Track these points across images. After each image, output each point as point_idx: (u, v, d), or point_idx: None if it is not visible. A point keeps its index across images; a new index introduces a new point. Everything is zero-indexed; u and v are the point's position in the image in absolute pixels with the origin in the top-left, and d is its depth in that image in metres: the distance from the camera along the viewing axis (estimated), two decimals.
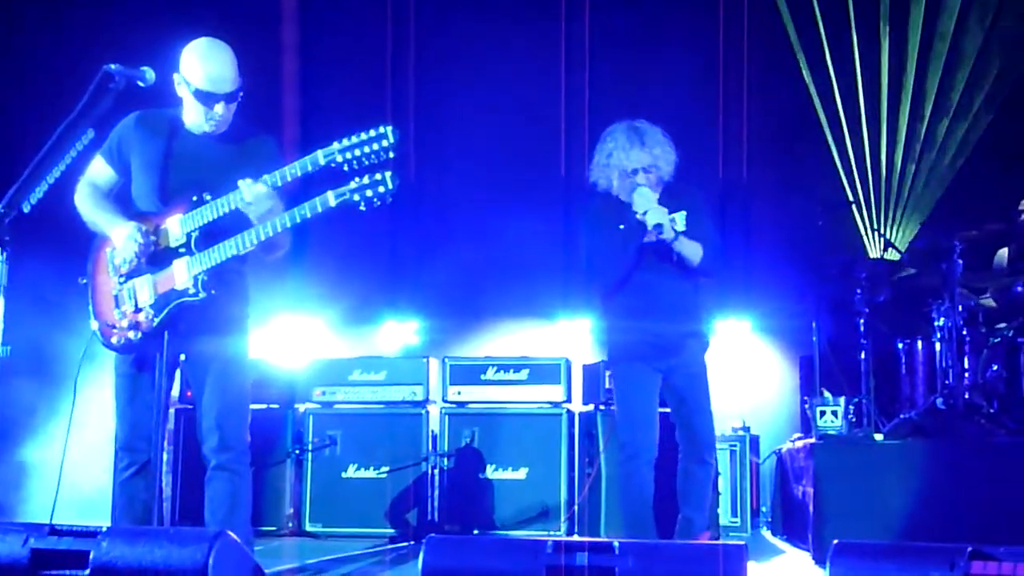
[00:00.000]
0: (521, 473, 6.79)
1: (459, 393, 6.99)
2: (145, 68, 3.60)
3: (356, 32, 9.09)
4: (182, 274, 4.13)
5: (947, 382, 6.45)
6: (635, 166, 5.07)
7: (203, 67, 4.14)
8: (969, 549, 2.81)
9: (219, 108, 4.17)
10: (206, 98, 4.15)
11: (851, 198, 8.55)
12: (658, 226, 4.93)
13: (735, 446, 7.33)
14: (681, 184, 5.14)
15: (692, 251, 5.07)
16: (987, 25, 8.49)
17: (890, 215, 8.65)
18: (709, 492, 5.30)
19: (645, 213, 4.95)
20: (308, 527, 6.91)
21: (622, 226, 5.08)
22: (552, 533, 6.56)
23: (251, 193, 4.00)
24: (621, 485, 5.23)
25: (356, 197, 3.94)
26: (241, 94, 4.23)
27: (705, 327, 5.43)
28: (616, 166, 5.12)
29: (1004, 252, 7.14)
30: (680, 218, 5.05)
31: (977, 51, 8.49)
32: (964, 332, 6.60)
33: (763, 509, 7.73)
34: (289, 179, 4.03)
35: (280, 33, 8.60)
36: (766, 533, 7.46)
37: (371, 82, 9.09)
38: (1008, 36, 8.46)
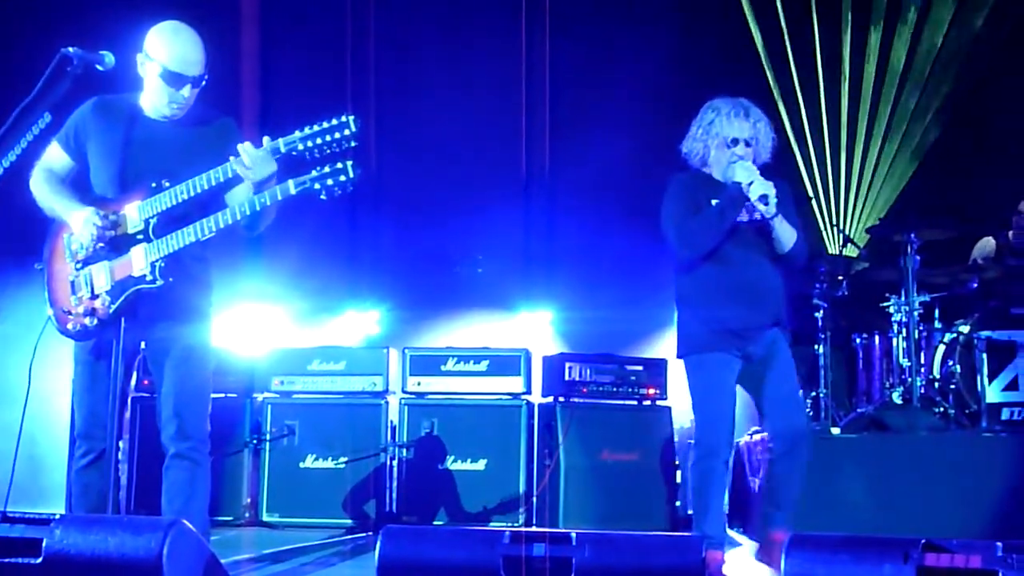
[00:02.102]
0: (480, 464, 6.79)
1: (419, 384, 6.97)
2: (104, 52, 3.56)
3: (316, 20, 9.05)
4: (139, 261, 4.09)
5: (903, 377, 6.51)
6: (736, 135, 4.81)
7: (173, 48, 4.11)
8: (923, 541, 2.84)
9: (185, 91, 4.14)
10: (175, 79, 4.12)
11: (810, 193, 8.61)
12: (763, 197, 4.63)
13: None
14: (768, 173, 4.81)
15: (787, 233, 4.80)
16: (948, 23, 8.56)
17: (849, 210, 8.72)
18: (795, 488, 4.88)
19: (750, 184, 4.66)
20: (265, 517, 6.88)
21: (715, 201, 4.77)
22: (511, 524, 6.56)
23: (250, 157, 3.96)
24: (695, 485, 4.83)
25: (317, 186, 3.93)
26: (205, 79, 4.20)
27: (786, 317, 5.01)
28: (716, 135, 4.84)
29: (990, 241, 7.19)
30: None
31: (936, 51, 8.56)
32: (920, 327, 6.66)
33: None
34: (282, 151, 3.99)
35: (240, 20, 8.54)
36: None
37: (331, 71, 9.04)
38: (966, 37, 8.54)
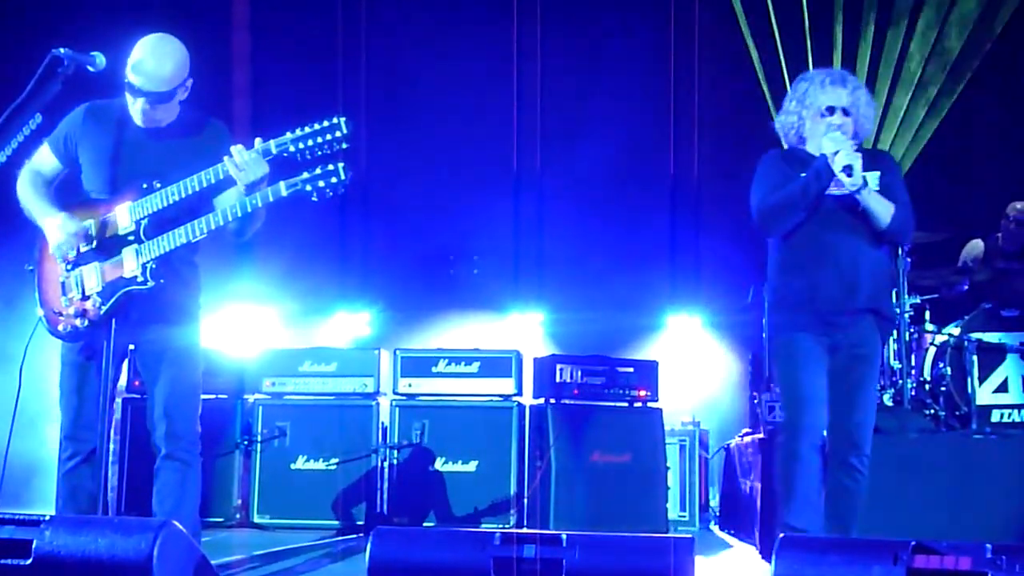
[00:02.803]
0: (471, 466, 6.79)
1: (410, 385, 6.97)
2: (95, 53, 3.56)
3: (307, 20, 9.04)
4: (131, 262, 4.09)
5: (894, 379, 6.52)
6: (832, 103, 4.50)
7: (136, 62, 4.08)
8: (912, 543, 2.85)
9: (141, 104, 4.11)
10: (132, 92, 4.11)
11: None
12: (847, 168, 4.32)
13: (684, 441, 7.38)
14: (876, 149, 4.55)
15: (881, 208, 4.44)
16: (941, 19, 8.58)
17: None
18: (857, 505, 4.50)
19: (835, 154, 4.36)
20: (256, 518, 6.87)
21: (804, 174, 4.48)
22: (501, 526, 6.56)
23: (242, 159, 3.96)
24: (780, 470, 4.56)
25: (309, 187, 3.93)
26: (184, 92, 4.17)
27: (888, 306, 4.68)
28: (810, 105, 4.54)
29: (978, 244, 7.21)
30: (872, 178, 4.46)
31: (926, 55, 8.57)
32: (911, 329, 6.68)
33: (711, 504, 7.79)
34: (273, 152, 3.99)
35: (231, 22, 8.54)
36: (714, 527, 7.51)
37: (322, 71, 9.04)
38: (960, 35, 8.56)
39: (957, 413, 6.44)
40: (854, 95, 4.51)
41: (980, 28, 8.48)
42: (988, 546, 2.81)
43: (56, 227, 4.12)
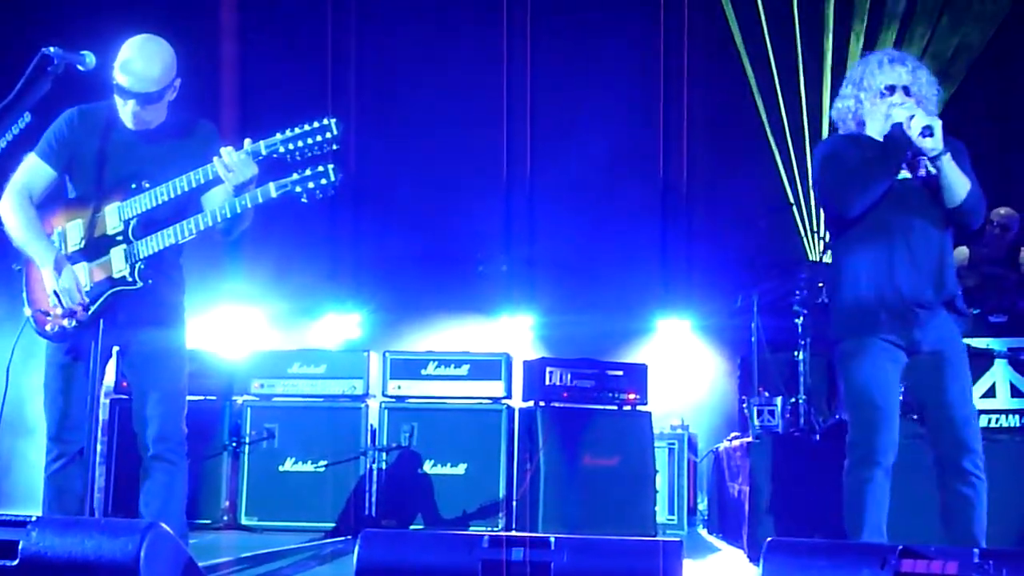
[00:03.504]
0: (460, 469, 6.78)
1: (399, 387, 6.96)
2: (85, 52, 3.54)
3: (297, 23, 9.03)
4: (119, 262, 4.08)
5: None
6: (892, 82, 4.23)
7: (123, 63, 4.07)
8: (900, 547, 2.85)
9: (131, 106, 4.10)
10: (121, 93, 4.09)
11: (792, 200, 8.64)
12: (927, 129, 4.04)
13: (673, 444, 7.39)
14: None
15: (959, 180, 4.16)
16: (933, 23, 8.61)
17: None
18: (979, 515, 4.14)
19: (911, 119, 4.08)
20: (244, 520, 6.85)
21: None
22: (490, 529, 6.56)
23: (232, 160, 3.95)
24: (849, 497, 4.22)
25: (298, 189, 3.93)
26: (172, 93, 4.16)
27: (960, 299, 4.30)
28: (868, 87, 4.26)
29: (963, 250, 7.23)
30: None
31: (921, 53, 8.59)
32: None
33: (700, 507, 7.79)
34: (263, 153, 3.98)
35: (219, 22, 8.52)
36: (702, 531, 7.51)
37: (312, 72, 9.04)
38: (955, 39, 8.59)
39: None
40: (914, 74, 4.26)
41: (971, 33, 8.51)
42: (975, 550, 2.82)
43: (64, 275, 4.04)
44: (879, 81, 4.26)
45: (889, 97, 4.23)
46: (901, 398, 4.32)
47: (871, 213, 4.22)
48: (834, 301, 4.38)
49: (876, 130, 4.27)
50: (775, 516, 5.70)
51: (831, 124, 4.49)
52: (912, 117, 4.11)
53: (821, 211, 8.62)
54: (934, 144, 4.10)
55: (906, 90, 4.23)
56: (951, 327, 4.27)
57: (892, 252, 4.20)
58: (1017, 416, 6.13)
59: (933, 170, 4.21)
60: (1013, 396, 6.13)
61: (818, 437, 6.47)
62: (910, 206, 4.23)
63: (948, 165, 4.15)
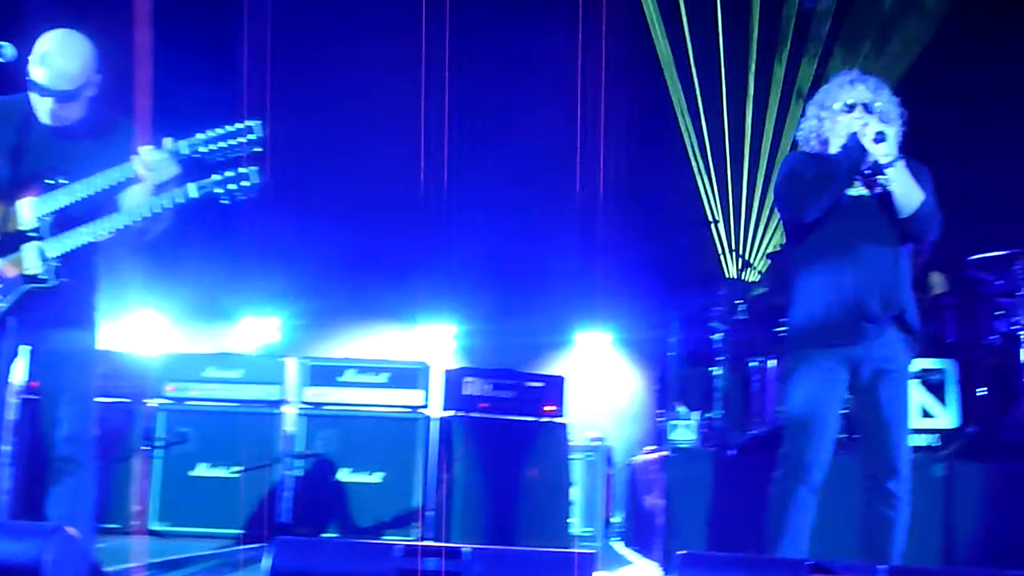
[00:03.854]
0: (376, 477, 6.75)
1: (316, 394, 6.91)
2: (4, 44, 3.47)
3: (215, 22, 8.92)
4: (31, 259, 3.99)
5: None
6: (853, 100, 4.26)
7: (40, 58, 3.99)
8: (810, 562, 2.88)
9: (49, 102, 4.02)
10: (37, 90, 4.02)
11: (712, 217, 8.73)
12: (879, 135, 4.10)
13: (590, 456, 7.42)
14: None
15: (912, 190, 4.18)
16: (859, 48, 8.75)
17: (750, 236, 8.86)
18: (897, 537, 4.19)
19: (865, 125, 4.14)
20: (154, 525, 6.75)
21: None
22: (405, 538, 6.53)
23: (152, 159, 3.88)
24: (773, 508, 4.24)
25: (219, 190, 3.88)
26: (91, 90, 4.08)
27: (912, 313, 4.30)
28: (829, 105, 4.30)
29: (937, 277, 7.27)
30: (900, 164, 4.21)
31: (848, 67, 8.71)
32: None
33: (615, 520, 7.83)
34: (184, 153, 3.92)
35: (137, 18, 8.38)
36: (617, 544, 7.54)
37: (228, 71, 8.92)
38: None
39: (855, 436, 6.54)
40: (876, 93, 4.29)
41: (895, 56, 8.66)
42: (883, 568, 2.86)
43: None
44: (840, 98, 4.30)
45: (850, 114, 4.27)
46: (844, 411, 4.38)
47: (825, 228, 4.27)
48: (788, 313, 4.40)
49: (838, 146, 4.30)
50: (689, 530, 5.74)
51: (795, 146, 4.54)
52: (866, 125, 4.17)
53: (757, 227, 8.74)
54: (887, 150, 4.15)
55: (867, 107, 4.27)
56: (898, 345, 4.29)
57: (842, 266, 4.23)
58: (927, 435, 6.24)
59: (890, 185, 4.24)
60: (924, 416, 6.24)
61: (733, 452, 6.53)
62: (864, 222, 4.26)
63: (901, 173, 4.19)
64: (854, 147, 4.19)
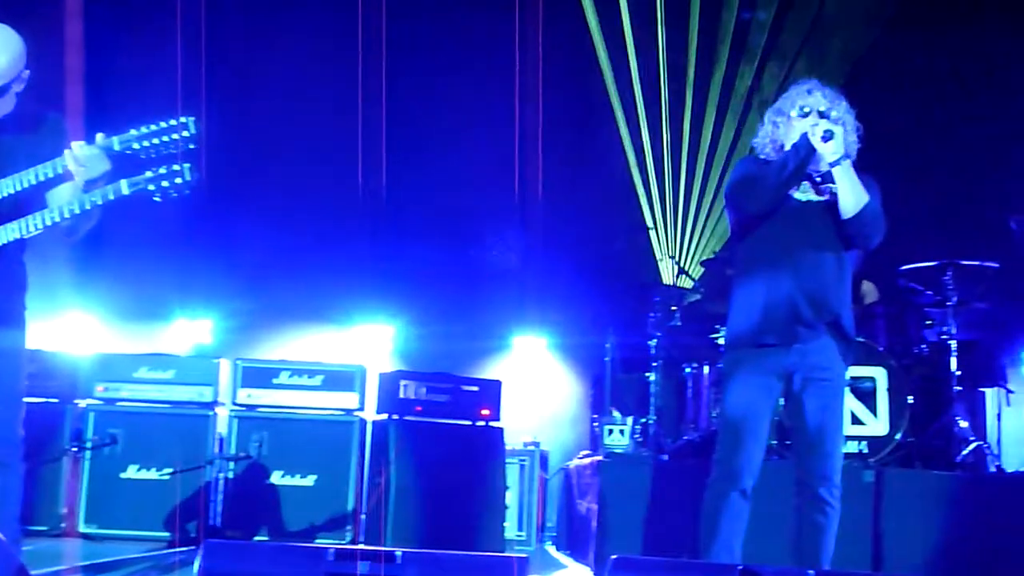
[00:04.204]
0: (309, 480, 6.70)
1: (249, 396, 6.85)
2: None
3: (150, 15, 8.81)
4: None
5: None
6: (808, 108, 4.31)
7: None
8: (739, 567, 2.91)
9: None
10: None
11: (650, 223, 8.78)
12: (827, 133, 4.17)
13: (524, 460, 7.43)
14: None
15: (857, 190, 4.23)
16: (798, 46, 8.84)
17: (685, 242, 8.92)
18: (828, 543, 4.23)
19: (814, 126, 4.21)
20: (83, 528, 6.65)
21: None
22: (338, 542, 6.49)
23: (83, 154, 3.82)
24: (706, 513, 4.29)
25: (152, 187, 3.83)
26: (19, 84, 4.01)
27: (848, 321, 4.34)
28: (785, 111, 4.36)
29: (869, 286, 7.34)
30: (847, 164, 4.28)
31: (784, 76, 8.80)
32: None
33: (549, 524, 7.84)
34: (116, 149, 3.85)
35: (64, 11, 8.26)
36: (550, 548, 7.56)
37: (164, 66, 8.81)
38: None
39: (787, 442, 6.61)
40: (832, 101, 4.35)
41: (830, 69, 8.76)
42: (810, 572, 2.89)
43: None
44: (796, 105, 4.36)
45: (804, 119, 4.32)
46: (777, 418, 4.40)
47: (770, 229, 4.33)
48: (727, 315, 4.46)
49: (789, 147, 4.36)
50: (622, 534, 5.77)
51: (752, 152, 4.59)
52: (816, 125, 4.24)
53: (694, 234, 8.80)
54: (835, 148, 4.21)
55: (822, 115, 4.31)
56: (831, 352, 4.32)
57: (781, 269, 4.27)
58: (856, 442, 6.32)
59: (835, 185, 4.30)
60: (854, 423, 6.31)
61: (666, 457, 6.58)
62: (808, 226, 4.31)
63: (846, 172, 4.25)
64: (803, 144, 4.24)
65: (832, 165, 4.25)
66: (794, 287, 4.25)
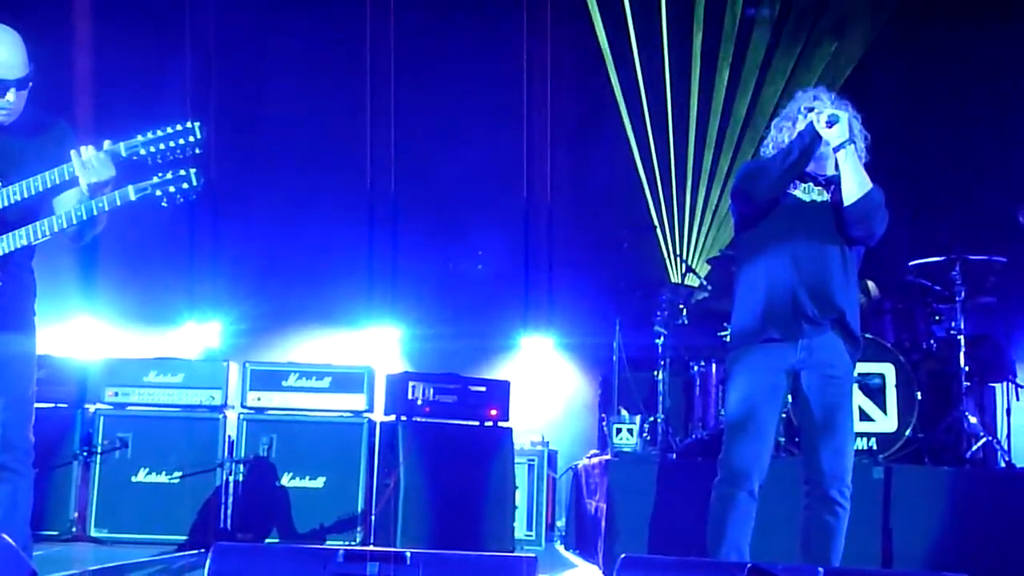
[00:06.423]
0: (319, 482, 6.71)
1: (259, 399, 6.86)
2: None
3: (157, 22, 8.83)
4: None
5: None
6: (814, 107, 4.32)
7: None
8: (749, 565, 2.91)
9: (10, 96, 3.97)
10: None
11: (655, 222, 8.77)
12: (832, 118, 4.16)
13: (533, 460, 7.43)
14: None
15: (860, 176, 4.22)
16: (801, 44, 8.81)
17: (692, 240, 8.92)
18: (837, 543, 4.21)
19: (819, 113, 4.21)
20: (93, 532, 6.67)
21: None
22: (347, 543, 6.50)
23: (90, 160, 3.82)
24: (714, 512, 4.27)
25: (159, 192, 3.84)
26: (31, 82, 4.04)
27: (853, 319, 4.32)
28: (791, 116, 4.39)
29: (870, 284, 7.34)
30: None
31: (787, 76, 8.78)
32: None
33: (558, 523, 7.84)
34: (123, 155, 3.86)
35: (73, 17, 8.28)
36: (560, 547, 7.56)
37: (171, 72, 8.85)
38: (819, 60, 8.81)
39: (796, 439, 6.61)
40: (838, 104, 4.35)
41: (832, 68, 8.74)
42: (820, 570, 2.89)
43: None
44: (804, 105, 4.37)
45: (810, 114, 4.31)
46: (784, 416, 4.38)
47: (775, 226, 4.34)
48: (732, 311, 4.45)
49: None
50: (630, 533, 5.77)
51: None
52: (820, 112, 4.23)
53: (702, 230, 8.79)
54: (840, 132, 4.19)
55: (830, 119, 4.27)
56: (837, 349, 4.31)
57: (785, 265, 4.27)
58: (865, 439, 6.32)
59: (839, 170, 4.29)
60: (862, 419, 6.31)
61: (675, 456, 6.58)
62: (814, 224, 4.31)
63: (850, 157, 4.23)
64: (808, 130, 4.24)
65: (836, 149, 4.23)
66: (796, 281, 4.26)
